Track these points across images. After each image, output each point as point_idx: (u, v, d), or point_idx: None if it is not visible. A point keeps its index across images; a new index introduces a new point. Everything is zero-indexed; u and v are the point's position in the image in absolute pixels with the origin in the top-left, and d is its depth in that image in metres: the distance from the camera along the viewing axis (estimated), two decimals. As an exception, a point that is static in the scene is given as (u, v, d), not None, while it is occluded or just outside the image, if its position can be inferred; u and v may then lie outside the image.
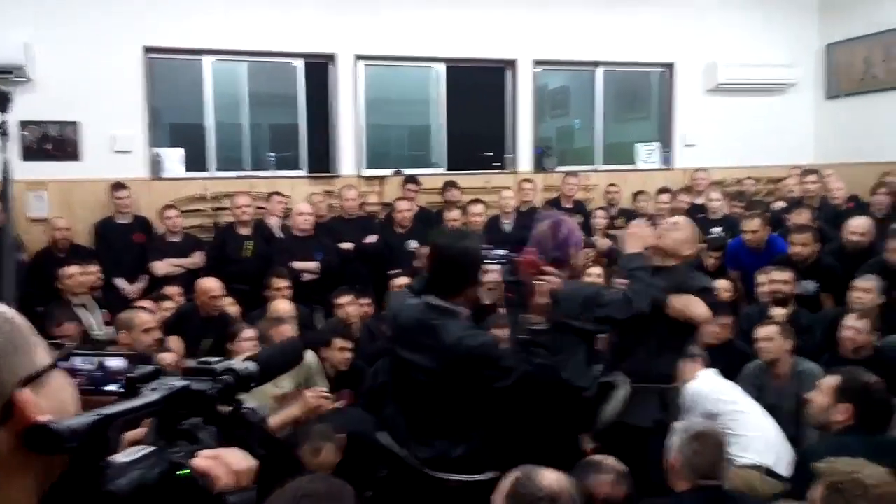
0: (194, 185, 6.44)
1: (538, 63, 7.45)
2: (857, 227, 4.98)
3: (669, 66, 7.86)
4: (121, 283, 5.59)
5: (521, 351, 2.45)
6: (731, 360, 4.12)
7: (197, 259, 5.77)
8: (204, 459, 0.83)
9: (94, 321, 4.82)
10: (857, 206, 6.30)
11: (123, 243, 5.81)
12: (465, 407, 2.44)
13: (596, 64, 7.72)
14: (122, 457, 0.80)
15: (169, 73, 6.61)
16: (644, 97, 8.26)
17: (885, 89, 7.39)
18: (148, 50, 6.29)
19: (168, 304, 4.84)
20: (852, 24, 7.70)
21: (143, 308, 4.43)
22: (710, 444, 2.48)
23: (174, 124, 6.89)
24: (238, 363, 0.97)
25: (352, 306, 4.67)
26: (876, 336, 3.78)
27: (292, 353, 1.30)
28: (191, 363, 0.97)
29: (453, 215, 6.08)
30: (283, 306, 4.42)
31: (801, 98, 8.15)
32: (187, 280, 5.30)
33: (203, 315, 4.63)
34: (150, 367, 0.92)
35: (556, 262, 2.74)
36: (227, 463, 0.84)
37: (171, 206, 5.93)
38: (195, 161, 6.61)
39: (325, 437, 3.11)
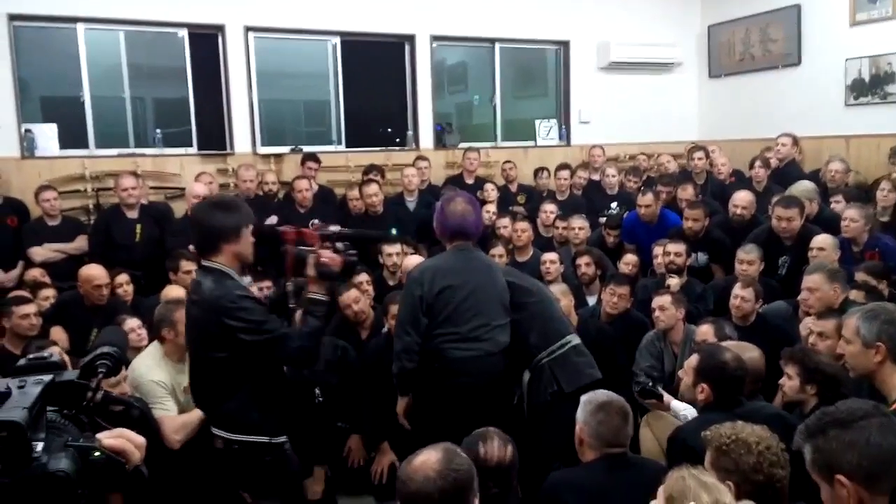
0: (72, 164, 5.99)
1: (436, 38, 7.39)
2: (741, 200, 5.25)
3: (565, 43, 8.01)
4: (-7, 270, 5.15)
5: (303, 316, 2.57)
6: (629, 329, 4.30)
7: (80, 244, 5.39)
8: (113, 439, 0.89)
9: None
10: (739, 180, 6.67)
11: (-6, 228, 5.35)
12: (228, 361, 2.50)
13: (493, 40, 7.75)
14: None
15: (39, 42, 6.07)
16: (541, 74, 8.39)
17: (761, 69, 7.85)
18: (13, 17, 5.75)
19: (47, 293, 4.49)
20: (731, 6, 8.10)
21: (21, 297, 4.13)
22: (614, 413, 2.55)
23: (46, 98, 6.35)
24: (106, 348, 1.07)
25: (254, 286, 4.50)
26: (760, 303, 4.02)
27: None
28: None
29: (371, 190, 5.90)
30: (175, 292, 4.22)
31: (687, 77, 8.53)
32: (69, 267, 4.94)
33: (88, 304, 4.33)
34: None
35: (477, 234, 3.21)
36: (131, 438, 0.91)
37: (49, 187, 5.48)
38: (72, 138, 6.13)
39: None
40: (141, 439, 0.93)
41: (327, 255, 2.57)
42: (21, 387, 0.88)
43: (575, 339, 3.39)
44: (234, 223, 2.53)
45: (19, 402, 0.83)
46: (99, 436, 0.89)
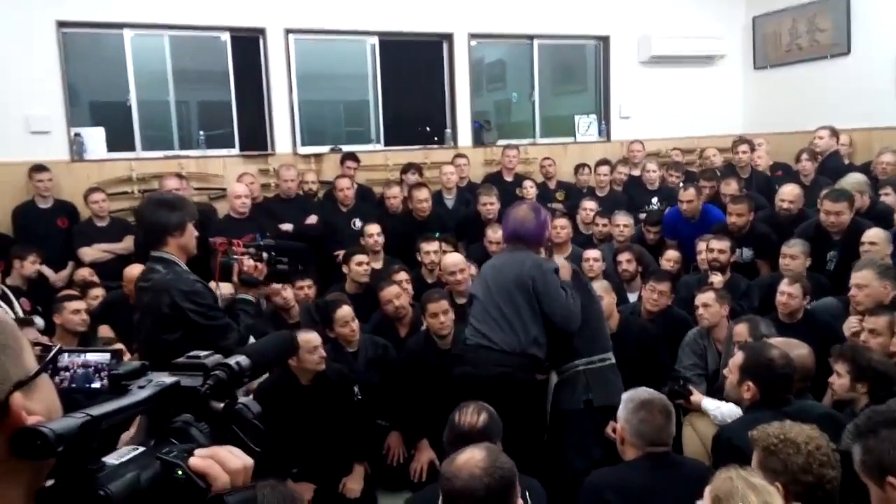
0: (119, 167, 6.14)
1: (474, 36, 7.37)
2: (788, 194, 5.11)
3: (605, 38, 7.91)
4: (46, 270, 5.29)
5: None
6: (670, 326, 4.22)
7: (128, 244, 5.52)
8: (200, 459, 0.80)
9: (11, 312, 4.54)
10: (786, 174, 6.50)
11: (46, 229, 5.51)
12: (179, 344, 2.57)
13: (532, 37, 7.69)
14: (113, 458, 0.77)
15: (86, 48, 6.24)
16: (580, 70, 8.29)
17: (809, 59, 7.62)
18: (62, 24, 5.91)
19: (96, 292, 4.62)
20: (777, -4, 7.90)
21: (71, 294, 4.26)
22: (657, 412, 2.51)
23: (95, 102, 6.52)
24: (231, 358, 0.96)
25: (289, 290, 4.54)
26: (808, 299, 3.90)
27: (285, 346, 1.29)
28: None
29: (422, 195, 5.82)
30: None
31: (731, 69, 8.34)
32: (118, 266, 5.06)
33: (133, 304, 4.42)
34: (135, 364, 0.89)
35: (536, 241, 3.35)
36: (222, 461, 0.81)
37: (98, 189, 5.64)
38: (119, 141, 6.29)
39: None
40: (238, 463, 0.82)
41: (248, 265, 2.85)
42: (141, 386, 0.84)
43: (612, 359, 3.44)
44: (178, 220, 2.75)
45: (95, 410, 0.76)
46: (196, 452, 0.82)
